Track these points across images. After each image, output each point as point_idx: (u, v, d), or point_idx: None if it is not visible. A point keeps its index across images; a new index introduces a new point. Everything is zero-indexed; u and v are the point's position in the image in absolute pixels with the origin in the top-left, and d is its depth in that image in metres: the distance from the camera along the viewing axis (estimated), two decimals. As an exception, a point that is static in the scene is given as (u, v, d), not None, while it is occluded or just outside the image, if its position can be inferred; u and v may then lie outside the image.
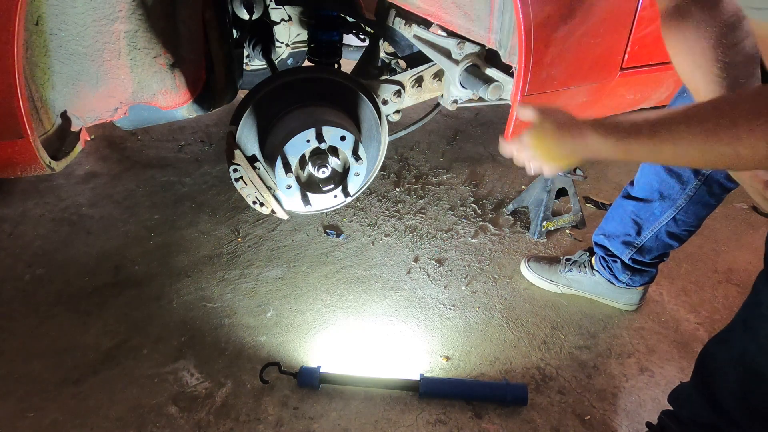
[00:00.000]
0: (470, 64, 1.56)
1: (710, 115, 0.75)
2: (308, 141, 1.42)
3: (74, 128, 1.44)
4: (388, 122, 1.70)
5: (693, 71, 1.04)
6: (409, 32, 1.60)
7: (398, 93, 1.69)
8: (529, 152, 1.01)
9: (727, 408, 1.14)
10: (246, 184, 1.55)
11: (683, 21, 1.03)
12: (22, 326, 1.66)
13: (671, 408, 1.33)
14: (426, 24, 1.59)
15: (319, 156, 1.48)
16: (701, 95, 1.04)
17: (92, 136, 2.65)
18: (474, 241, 2.15)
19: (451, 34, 1.53)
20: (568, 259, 1.91)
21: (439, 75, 1.72)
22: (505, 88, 1.51)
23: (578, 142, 0.91)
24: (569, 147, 0.93)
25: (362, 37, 2.21)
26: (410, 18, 1.59)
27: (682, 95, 1.44)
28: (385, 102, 1.68)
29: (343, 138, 1.45)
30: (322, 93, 1.55)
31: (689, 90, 1.09)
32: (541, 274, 1.92)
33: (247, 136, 1.53)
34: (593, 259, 1.84)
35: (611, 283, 1.80)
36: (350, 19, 1.98)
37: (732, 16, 0.99)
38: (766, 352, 1.03)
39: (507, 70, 1.49)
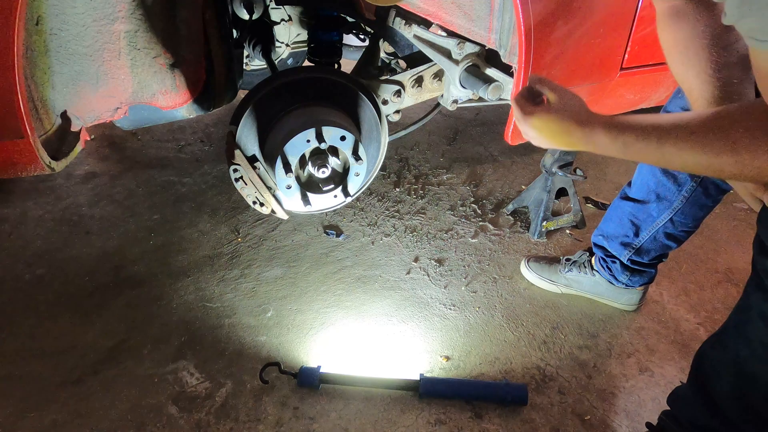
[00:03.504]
0: (470, 64, 1.56)
1: (713, 127, 0.79)
2: (308, 141, 1.42)
3: (74, 128, 1.44)
4: (388, 122, 1.70)
5: (686, 71, 1.04)
6: (409, 32, 1.60)
7: (398, 93, 1.69)
8: (531, 128, 1.00)
9: (724, 410, 1.14)
10: (246, 184, 1.55)
11: (678, 20, 1.03)
12: (22, 326, 1.66)
13: (670, 408, 1.33)
14: (426, 24, 1.59)
15: (319, 156, 1.48)
16: (694, 95, 1.04)
17: (92, 136, 2.65)
18: (474, 241, 2.15)
19: (451, 34, 1.53)
20: (568, 259, 1.91)
21: (439, 75, 1.72)
22: (505, 88, 1.51)
23: (587, 140, 0.92)
24: (575, 139, 0.94)
25: (362, 37, 2.21)
26: (410, 18, 1.59)
27: (677, 96, 1.44)
28: (385, 102, 1.68)
29: (343, 138, 1.45)
30: (322, 93, 1.55)
31: (683, 90, 1.09)
32: (541, 274, 1.92)
33: (247, 136, 1.53)
34: (593, 259, 1.84)
35: (611, 283, 1.80)
36: (350, 19, 1.98)
37: None
38: (758, 356, 1.03)
39: (507, 70, 1.49)
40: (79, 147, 1.43)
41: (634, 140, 0.86)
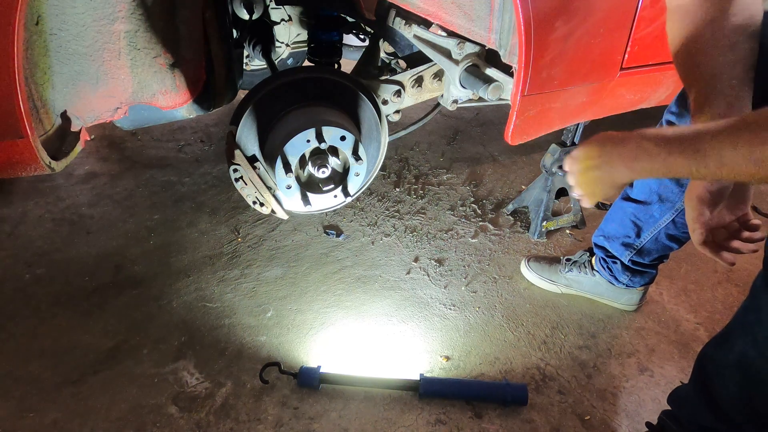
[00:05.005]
0: (470, 64, 1.56)
1: (753, 122, 0.74)
2: (308, 141, 1.42)
3: (74, 128, 1.44)
4: (388, 122, 1.70)
5: (689, 68, 1.04)
6: (409, 32, 1.60)
7: (398, 93, 1.69)
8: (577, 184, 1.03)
9: (727, 411, 1.14)
10: (246, 184, 1.55)
11: (687, 16, 1.02)
12: (22, 326, 1.66)
13: (671, 408, 1.33)
14: (426, 24, 1.59)
15: (319, 156, 1.48)
16: (692, 93, 1.04)
17: (92, 136, 2.65)
18: (474, 241, 2.15)
19: (451, 34, 1.53)
20: (568, 259, 1.91)
21: (439, 75, 1.72)
22: (505, 88, 1.51)
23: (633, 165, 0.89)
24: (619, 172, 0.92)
25: (362, 37, 2.21)
26: (410, 18, 1.59)
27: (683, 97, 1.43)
28: (385, 102, 1.68)
29: (343, 138, 1.45)
30: (322, 93, 1.55)
31: (684, 86, 1.09)
32: (541, 274, 1.92)
33: (247, 136, 1.53)
34: (593, 259, 1.84)
35: (611, 283, 1.80)
36: (350, 19, 1.98)
37: (741, 19, 0.98)
38: (766, 357, 1.03)
39: (507, 70, 1.49)
40: (79, 147, 1.43)
41: (670, 152, 0.83)
